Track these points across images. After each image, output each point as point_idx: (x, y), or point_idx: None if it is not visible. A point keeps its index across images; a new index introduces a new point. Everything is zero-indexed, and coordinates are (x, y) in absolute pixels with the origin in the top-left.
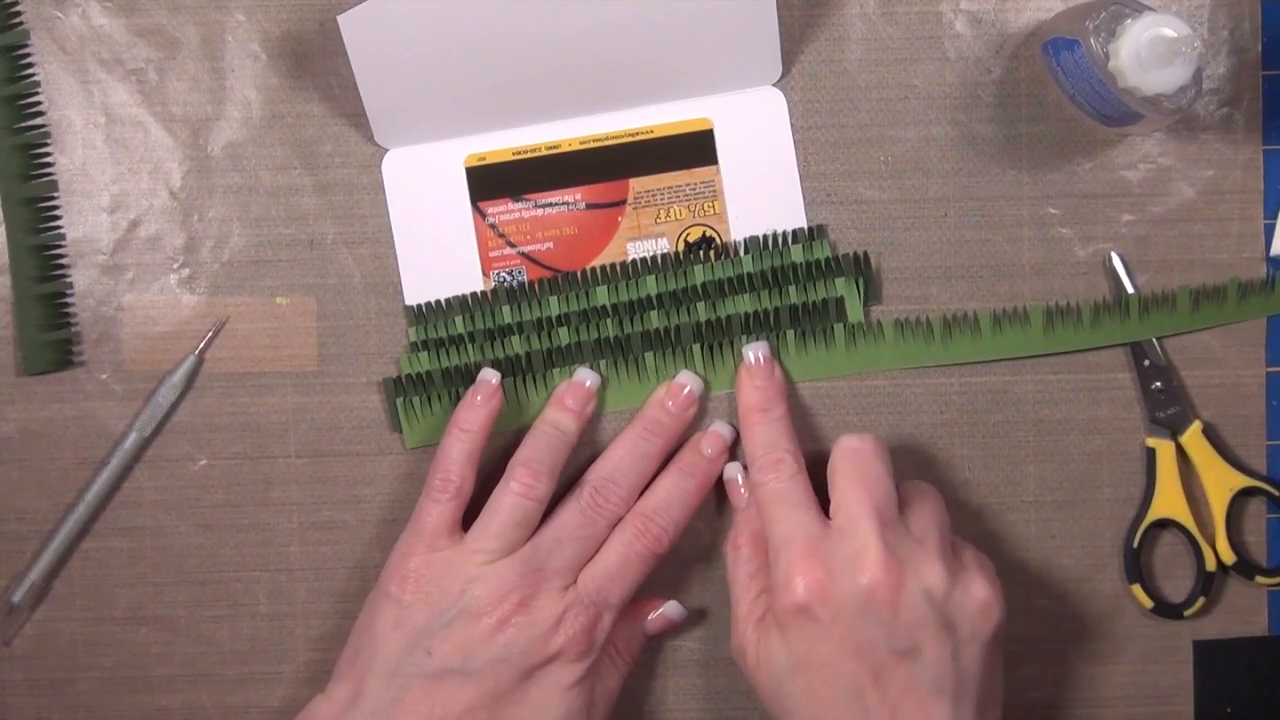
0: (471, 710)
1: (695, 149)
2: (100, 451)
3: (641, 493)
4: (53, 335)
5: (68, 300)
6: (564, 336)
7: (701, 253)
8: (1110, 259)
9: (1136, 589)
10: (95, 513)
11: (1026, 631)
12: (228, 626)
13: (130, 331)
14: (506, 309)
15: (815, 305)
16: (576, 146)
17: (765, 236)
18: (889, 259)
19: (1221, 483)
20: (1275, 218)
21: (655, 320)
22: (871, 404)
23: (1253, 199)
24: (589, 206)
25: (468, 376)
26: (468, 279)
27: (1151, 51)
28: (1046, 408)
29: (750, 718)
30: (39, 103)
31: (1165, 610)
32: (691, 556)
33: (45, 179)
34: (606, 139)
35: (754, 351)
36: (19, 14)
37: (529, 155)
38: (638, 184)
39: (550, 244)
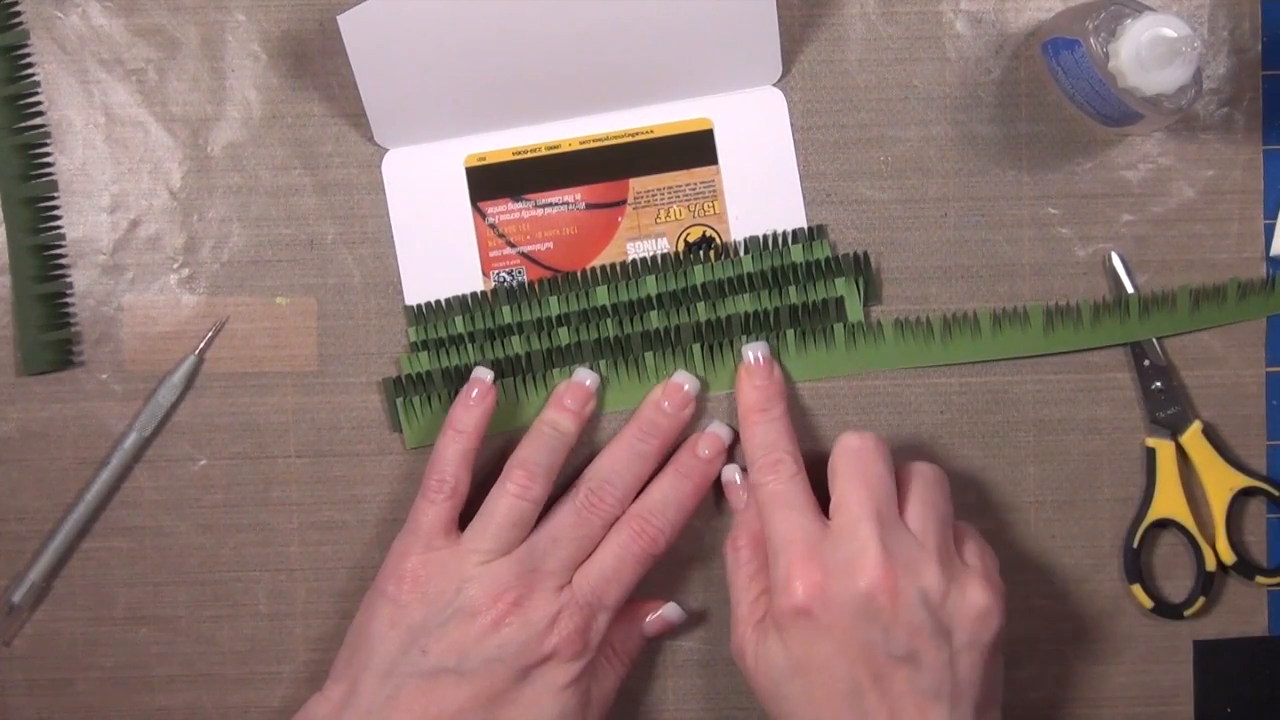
0: (466, 710)
1: (695, 149)
2: (100, 451)
3: (638, 494)
4: (53, 335)
5: (68, 300)
6: (564, 336)
7: (701, 253)
8: (1110, 259)
9: (1136, 589)
10: (95, 513)
11: (1026, 631)
12: (228, 626)
13: (130, 331)
14: (506, 309)
15: (815, 305)
16: (576, 146)
17: (765, 236)
18: (889, 259)
19: (1221, 483)
20: (1275, 218)
21: (655, 320)
22: (871, 404)
23: (1253, 199)
24: (589, 206)
25: (467, 376)
26: (468, 279)
27: (1151, 51)
28: (1046, 408)
29: (749, 718)
30: (39, 103)
31: (1165, 610)
32: (691, 557)
33: (45, 179)
34: (606, 139)
35: (754, 351)
36: (19, 14)
37: (529, 155)
38: (638, 184)
39: (550, 244)
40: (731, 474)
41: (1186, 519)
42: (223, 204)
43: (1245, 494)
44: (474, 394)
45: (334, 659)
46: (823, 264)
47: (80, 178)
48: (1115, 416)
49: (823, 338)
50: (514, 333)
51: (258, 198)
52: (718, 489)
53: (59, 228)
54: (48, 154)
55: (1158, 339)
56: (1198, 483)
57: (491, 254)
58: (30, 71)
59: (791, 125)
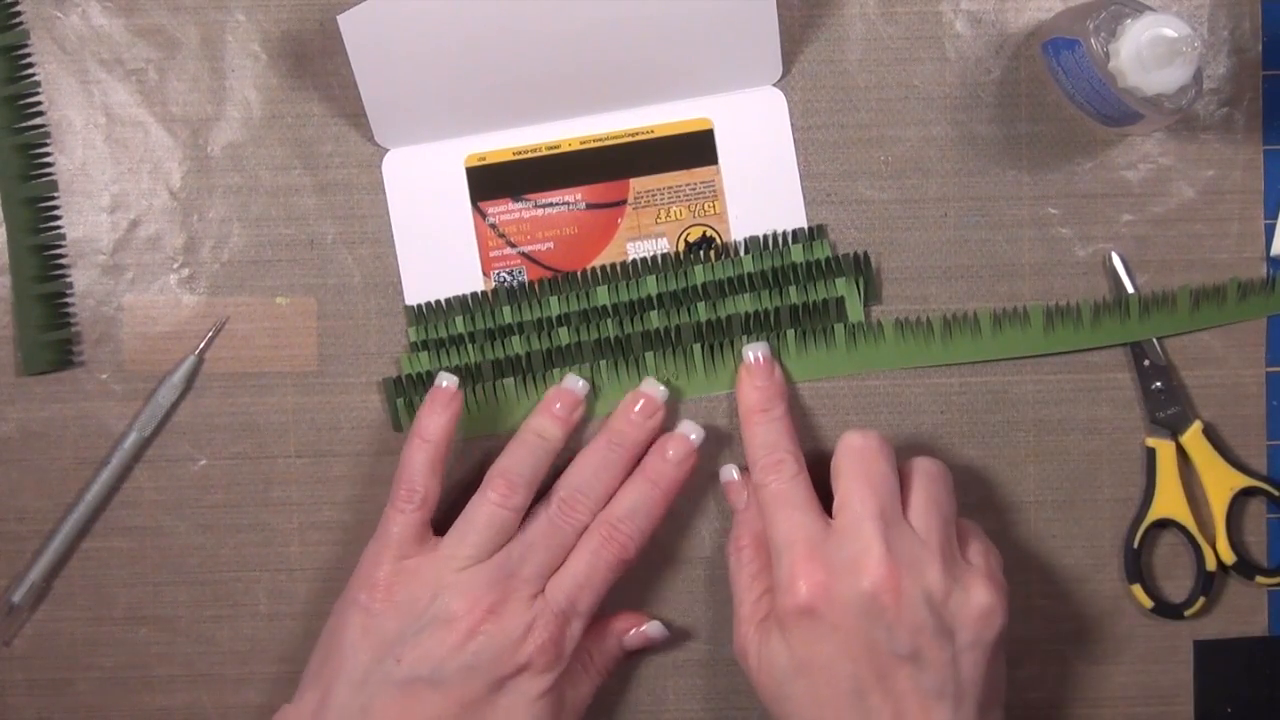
0: None
1: (695, 149)
2: (100, 451)
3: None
4: (53, 335)
5: (68, 300)
6: (564, 336)
7: (701, 253)
8: (1110, 259)
9: (1136, 589)
10: (95, 513)
11: (1026, 631)
12: (228, 626)
13: (130, 331)
14: (506, 309)
15: (815, 305)
16: (576, 146)
17: (765, 236)
18: (889, 259)
19: (1221, 483)
20: (1275, 218)
21: (655, 320)
22: (871, 404)
23: (1253, 199)
24: (589, 206)
25: (468, 376)
26: (468, 279)
27: (1152, 51)
28: (1046, 408)
29: (750, 718)
30: (39, 103)
31: (1165, 610)
32: (692, 557)
33: (45, 179)
34: (606, 139)
35: (754, 352)
36: (19, 14)
37: (529, 155)
38: (638, 184)
39: (550, 244)
40: (730, 473)
41: (1186, 519)
42: (223, 204)
43: (1245, 494)
44: (439, 401)
45: (304, 667)
46: (823, 264)
47: (80, 178)
48: (1115, 416)
49: (823, 338)
50: (514, 333)
51: (258, 198)
52: (718, 489)
53: (59, 228)
54: (48, 154)
55: (1158, 339)
56: (1198, 483)
57: (491, 254)
58: (30, 71)
59: (791, 125)
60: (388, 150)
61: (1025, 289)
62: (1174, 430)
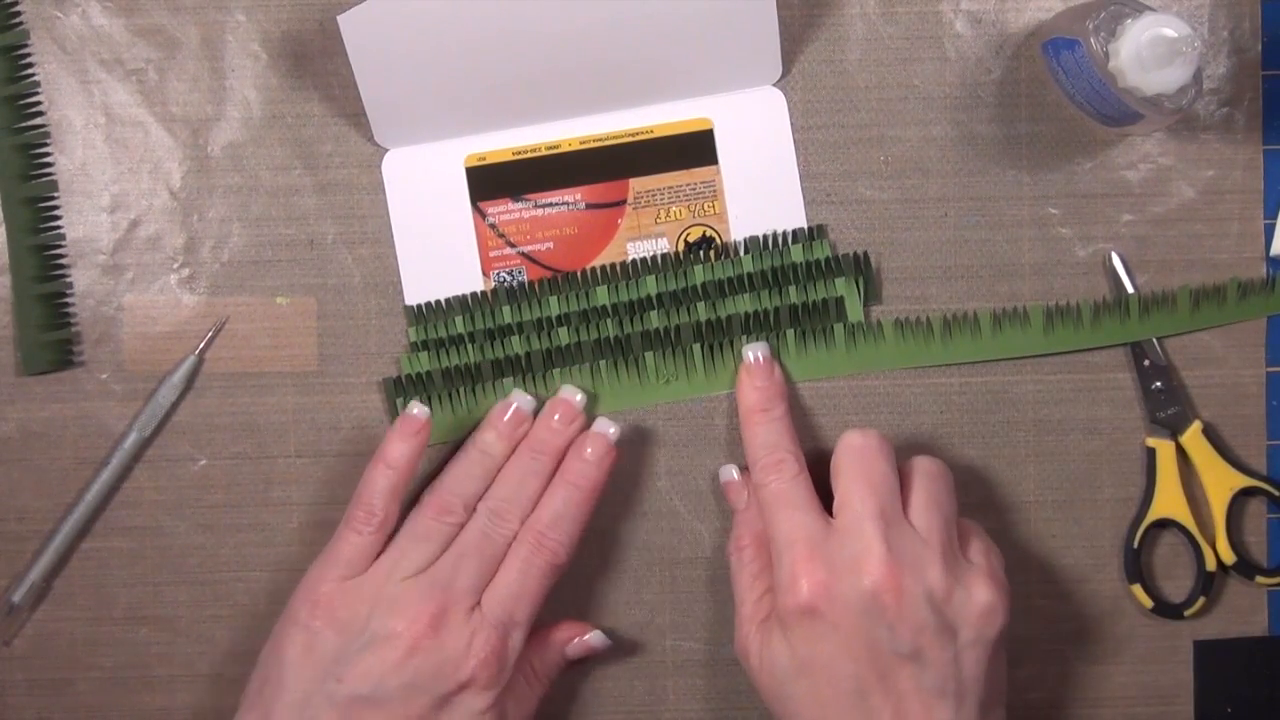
0: None
1: (695, 149)
2: (100, 451)
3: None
4: (53, 335)
5: (68, 300)
6: (564, 336)
7: (701, 253)
8: (1110, 259)
9: (1136, 589)
10: (95, 513)
11: (1026, 631)
12: (228, 626)
13: (130, 331)
14: (506, 309)
15: (815, 305)
16: (576, 146)
17: (765, 236)
18: (889, 259)
19: (1221, 483)
20: (1275, 218)
21: (655, 320)
22: (871, 404)
23: (1253, 199)
24: (589, 206)
25: (468, 376)
26: (468, 279)
27: (1152, 51)
28: (1046, 408)
29: (750, 718)
30: (39, 103)
31: (1165, 610)
32: (692, 557)
33: (45, 179)
34: (606, 139)
35: (754, 351)
36: (19, 14)
37: (529, 155)
38: (638, 184)
39: (550, 244)
40: (730, 473)
41: (1186, 519)
42: (223, 204)
43: (1245, 494)
44: (407, 429)
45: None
46: (823, 264)
47: (80, 178)
48: (1115, 416)
49: (823, 338)
50: (514, 333)
51: (258, 198)
52: (718, 489)
53: (59, 228)
54: (48, 154)
55: (1158, 339)
56: (1198, 483)
57: (491, 254)
58: (30, 71)
59: (791, 125)
60: (388, 150)
61: (1025, 289)
62: (1174, 430)
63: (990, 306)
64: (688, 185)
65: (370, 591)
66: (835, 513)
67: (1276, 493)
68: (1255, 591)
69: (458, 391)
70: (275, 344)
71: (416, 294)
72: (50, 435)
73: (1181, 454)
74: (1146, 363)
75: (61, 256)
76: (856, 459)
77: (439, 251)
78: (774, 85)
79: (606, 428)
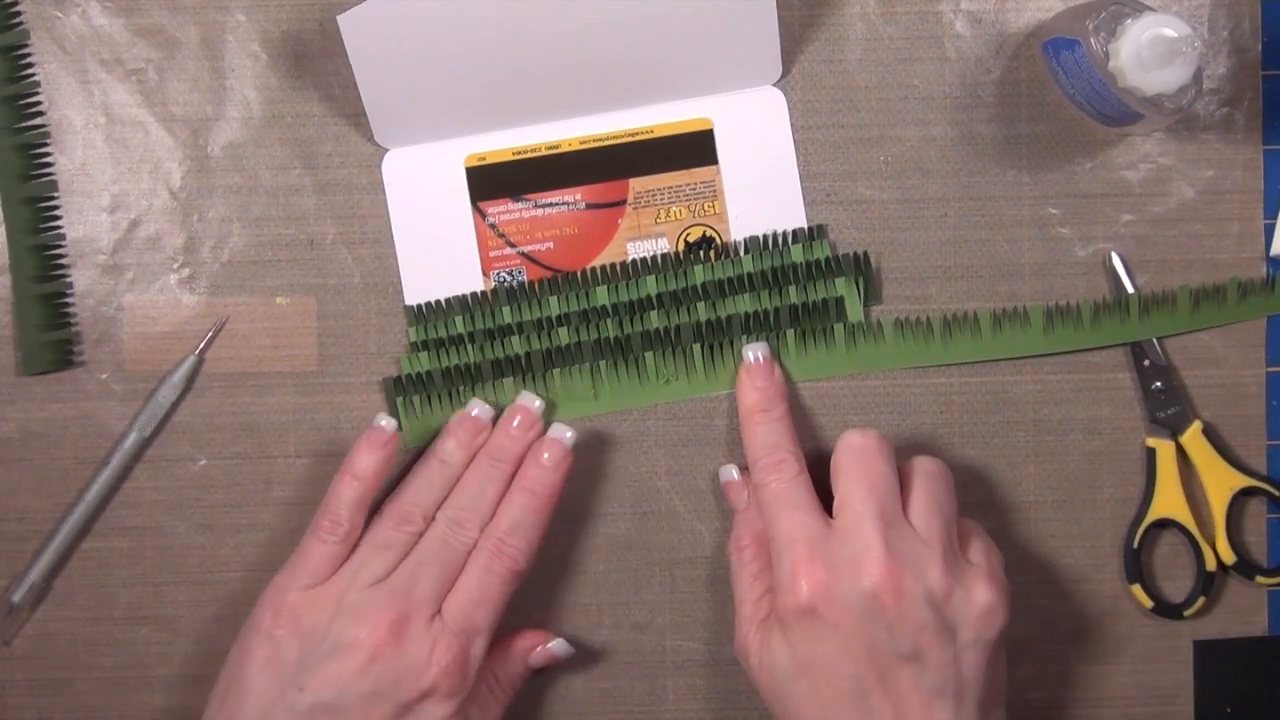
0: None
1: (695, 149)
2: (100, 451)
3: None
4: (53, 335)
5: (68, 300)
6: (564, 336)
7: (701, 253)
8: (1110, 259)
9: (1136, 589)
10: (95, 513)
11: (1026, 631)
12: (228, 626)
13: (130, 331)
14: (506, 309)
15: (815, 305)
16: (576, 146)
17: (765, 236)
18: (889, 259)
19: (1221, 483)
20: (1275, 218)
21: (655, 320)
22: (871, 404)
23: (1253, 199)
24: (589, 206)
25: (468, 376)
26: (468, 279)
27: (1152, 51)
28: (1046, 408)
29: (750, 718)
30: (39, 103)
31: (1165, 610)
32: (692, 557)
33: (45, 179)
34: (606, 139)
35: (754, 352)
36: (19, 14)
37: (529, 155)
38: (638, 184)
39: (550, 244)
40: (730, 473)
41: (1186, 519)
42: (223, 204)
43: (1245, 494)
44: (375, 442)
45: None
46: (823, 264)
47: (80, 178)
48: (1115, 416)
49: (823, 338)
50: (514, 333)
51: (258, 198)
52: (718, 489)
53: (59, 228)
54: (48, 154)
55: (1158, 339)
56: (1198, 483)
57: (491, 254)
58: (30, 71)
59: (791, 125)
60: (388, 150)
61: (1025, 289)
62: (1174, 430)
63: (990, 306)
64: (688, 185)
65: (332, 600)
66: (835, 513)
67: (1276, 493)
68: (1255, 591)
69: (458, 391)
70: (275, 344)
71: (416, 294)
72: (50, 435)
73: (1181, 454)
74: (1146, 363)
75: (61, 256)
76: (856, 459)
77: (439, 251)
78: (774, 85)
79: (563, 433)
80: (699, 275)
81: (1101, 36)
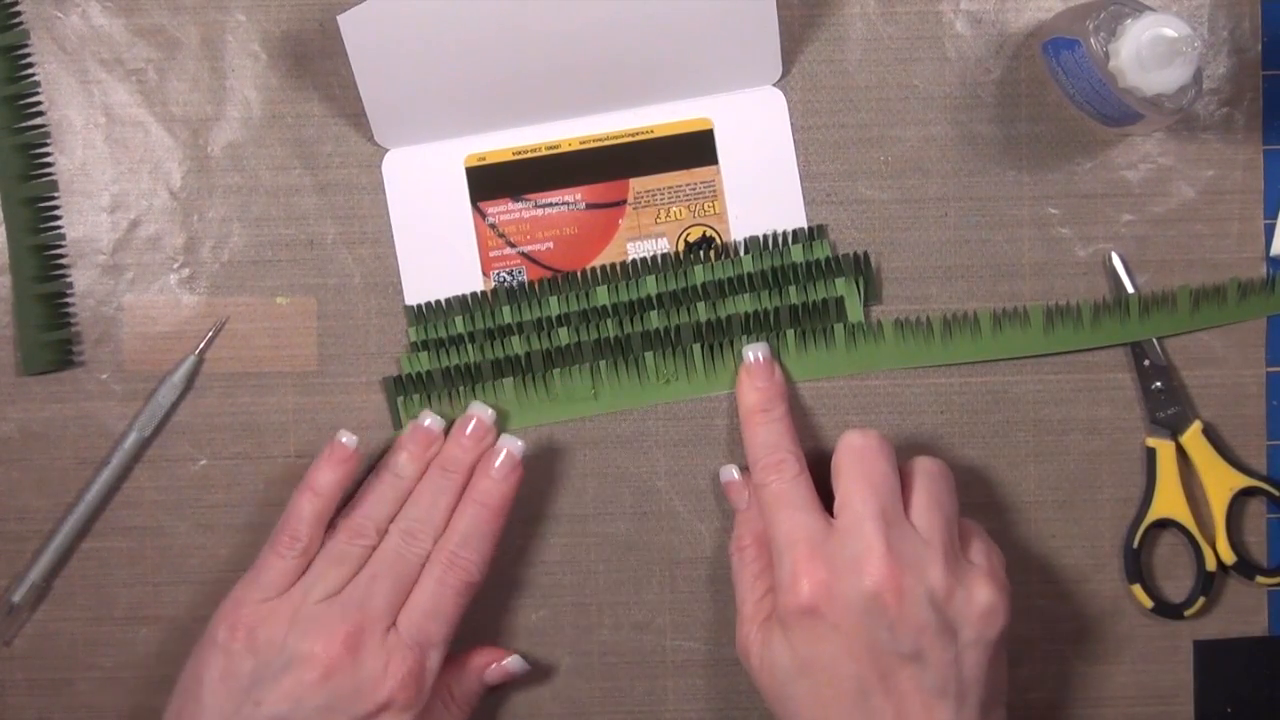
0: None
1: (695, 149)
2: (100, 451)
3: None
4: (53, 335)
5: (68, 300)
6: (564, 336)
7: (701, 253)
8: (1110, 259)
9: (1136, 589)
10: (95, 513)
11: (1026, 631)
12: None
13: (130, 331)
14: (506, 309)
15: (815, 305)
16: (576, 146)
17: (765, 236)
18: (889, 259)
19: (1221, 483)
20: (1275, 218)
21: (655, 320)
22: (871, 404)
23: (1253, 199)
24: (589, 206)
25: (468, 376)
26: (468, 279)
27: (1152, 51)
28: (1046, 408)
29: (750, 718)
30: (39, 103)
31: (1165, 610)
32: (693, 557)
33: (45, 179)
34: (606, 139)
35: (754, 352)
36: (19, 14)
37: (529, 155)
38: (638, 184)
39: (550, 244)
40: (731, 473)
41: (1186, 519)
42: (223, 204)
43: (1245, 494)
44: (335, 458)
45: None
46: (823, 264)
47: (80, 178)
48: (1115, 416)
49: (823, 338)
50: (514, 333)
51: (258, 198)
52: (719, 489)
53: (59, 228)
54: (48, 154)
55: (1158, 339)
56: (1198, 483)
57: (491, 254)
58: (30, 71)
59: (791, 125)
60: (388, 150)
61: (1025, 289)
62: (1174, 430)
63: (990, 306)
64: (688, 185)
65: (287, 613)
66: (836, 513)
67: (1276, 493)
68: (1255, 591)
69: (458, 391)
70: (275, 344)
71: (416, 294)
72: (50, 435)
73: (1181, 454)
74: (1146, 363)
75: (61, 256)
76: (857, 459)
77: (439, 251)
78: (774, 85)
79: (512, 444)
80: (699, 275)
81: (1101, 36)
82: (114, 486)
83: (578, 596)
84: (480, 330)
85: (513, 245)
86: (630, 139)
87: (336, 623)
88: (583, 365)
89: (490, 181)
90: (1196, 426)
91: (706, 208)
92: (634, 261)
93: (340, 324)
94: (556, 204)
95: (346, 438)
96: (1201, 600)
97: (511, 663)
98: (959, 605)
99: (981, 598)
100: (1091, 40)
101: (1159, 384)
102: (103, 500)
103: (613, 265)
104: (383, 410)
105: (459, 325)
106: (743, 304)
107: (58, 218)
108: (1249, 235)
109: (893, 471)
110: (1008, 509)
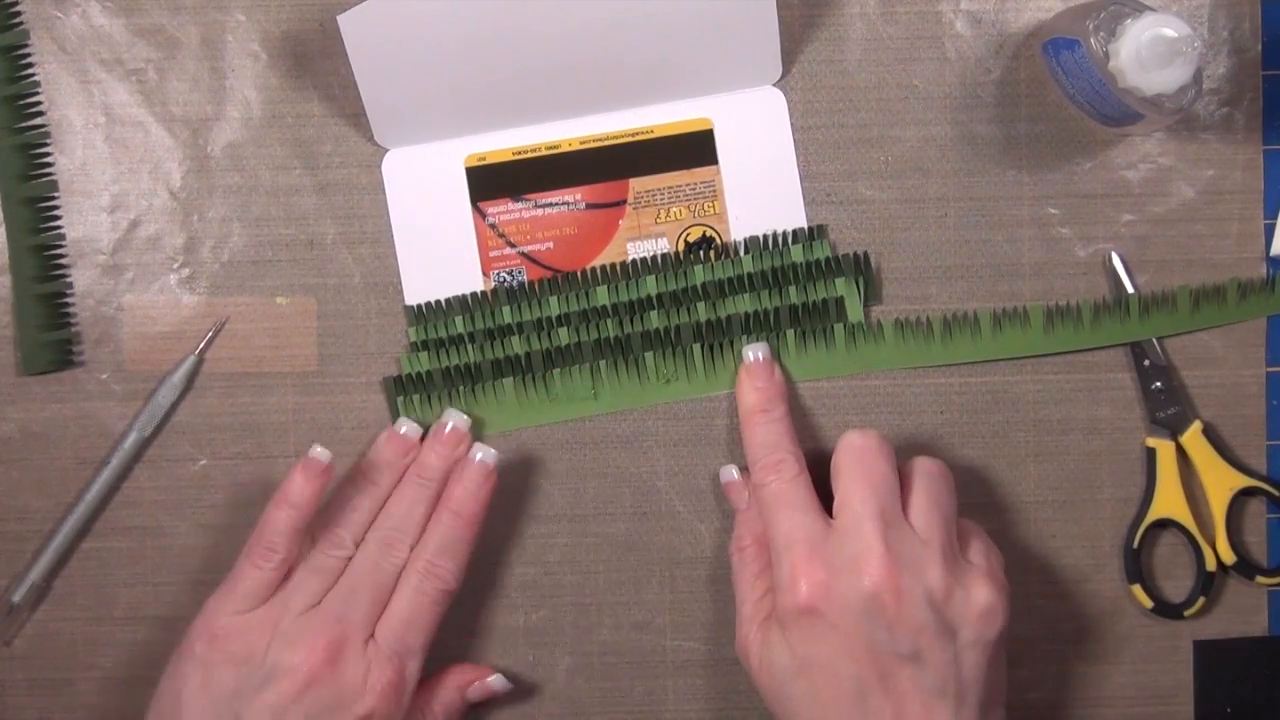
0: None
1: (695, 149)
2: (100, 451)
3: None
4: (53, 335)
5: (68, 300)
6: (564, 336)
7: (701, 253)
8: (1110, 259)
9: (1136, 589)
10: (95, 513)
11: (1026, 631)
12: None
13: (130, 331)
14: (506, 309)
15: (815, 305)
16: (576, 146)
17: (765, 236)
18: (889, 259)
19: (1221, 483)
20: (1275, 218)
21: (655, 320)
22: (871, 404)
23: (1253, 199)
24: (589, 206)
25: (468, 376)
26: (468, 279)
27: (1152, 51)
28: (1046, 408)
29: (750, 718)
30: (39, 103)
31: (1165, 610)
32: (693, 558)
33: (45, 179)
34: (606, 139)
35: (754, 352)
36: (19, 14)
37: (529, 155)
38: (638, 184)
39: (550, 244)
40: (731, 473)
41: (1186, 519)
42: (223, 204)
43: (1245, 494)
44: (310, 471)
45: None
46: (823, 264)
47: (80, 178)
48: (1115, 416)
49: (823, 338)
50: (514, 333)
51: (258, 198)
52: (718, 489)
53: (59, 228)
54: (48, 154)
55: (1158, 339)
56: (1198, 483)
57: (491, 254)
58: (30, 71)
59: (791, 125)
60: (388, 150)
61: (1025, 289)
62: (1174, 430)
63: (990, 306)
64: (688, 185)
65: (267, 625)
66: (835, 513)
67: (1276, 493)
68: (1255, 591)
69: (458, 391)
70: (275, 344)
71: (416, 294)
72: (50, 435)
73: (1181, 454)
74: (1146, 363)
75: (61, 256)
76: (856, 459)
77: (439, 251)
78: (774, 85)
79: (486, 452)
80: (699, 275)
81: (1101, 36)
82: (114, 486)
83: (578, 596)
84: (480, 330)
85: (513, 245)
86: (630, 139)
87: (316, 635)
88: (583, 365)
89: (490, 181)
90: (1196, 426)
91: (706, 208)
92: (634, 261)
93: (340, 324)
94: (556, 204)
95: (320, 451)
96: (1201, 600)
97: (494, 680)
98: (958, 605)
99: (980, 598)
100: (1091, 40)
101: (1159, 384)
102: (103, 500)
103: (613, 265)
104: (383, 410)
105: (459, 325)
106: (743, 304)
107: (58, 218)
108: (1249, 235)
109: (892, 472)
110: (1007, 509)
